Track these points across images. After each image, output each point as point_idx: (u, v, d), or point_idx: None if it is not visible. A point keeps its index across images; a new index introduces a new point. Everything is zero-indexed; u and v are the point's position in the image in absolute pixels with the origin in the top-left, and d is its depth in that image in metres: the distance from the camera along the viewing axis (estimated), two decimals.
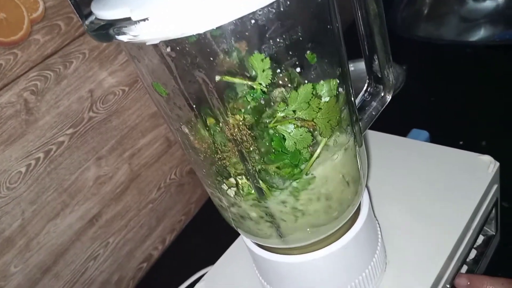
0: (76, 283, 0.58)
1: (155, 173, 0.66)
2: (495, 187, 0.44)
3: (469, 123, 0.65)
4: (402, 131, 0.54)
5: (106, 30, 0.23)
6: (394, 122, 0.65)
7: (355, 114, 0.32)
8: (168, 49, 0.24)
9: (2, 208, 0.50)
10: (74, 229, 0.57)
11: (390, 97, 0.34)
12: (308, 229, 0.32)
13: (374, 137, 0.52)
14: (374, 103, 0.35)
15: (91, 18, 0.24)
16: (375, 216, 0.40)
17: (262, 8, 0.23)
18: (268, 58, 0.24)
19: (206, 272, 0.48)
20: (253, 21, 0.23)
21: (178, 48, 0.23)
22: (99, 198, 0.60)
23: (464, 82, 0.73)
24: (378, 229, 0.39)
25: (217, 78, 0.25)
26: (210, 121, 0.27)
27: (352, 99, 0.31)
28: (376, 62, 0.34)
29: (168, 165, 0.68)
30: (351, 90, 0.31)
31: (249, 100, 0.26)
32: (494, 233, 0.48)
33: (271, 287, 0.38)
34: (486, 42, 0.98)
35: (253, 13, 0.22)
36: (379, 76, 0.34)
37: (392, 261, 0.40)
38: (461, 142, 0.60)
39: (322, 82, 0.27)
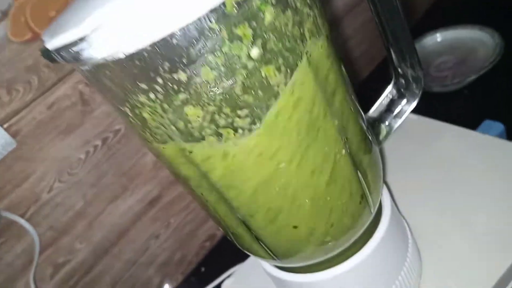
0: (137, 261, 0.62)
1: None
2: None
3: None
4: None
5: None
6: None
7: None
8: None
9: (64, 192, 0.54)
10: (134, 210, 0.61)
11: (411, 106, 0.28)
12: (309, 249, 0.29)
13: (437, 127, 0.45)
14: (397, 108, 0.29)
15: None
16: (407, 224, 0.35)
17: None
18: None
19: None
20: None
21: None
22: (158, 181, 0.62)
23: None
24: (409, 234, 0.34)
25: None
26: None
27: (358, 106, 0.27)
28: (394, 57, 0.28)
29: None
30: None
31: None
32: None
33: None
34: None
35: None
36: (400, 72, 0.28)
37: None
38: None
39: None
